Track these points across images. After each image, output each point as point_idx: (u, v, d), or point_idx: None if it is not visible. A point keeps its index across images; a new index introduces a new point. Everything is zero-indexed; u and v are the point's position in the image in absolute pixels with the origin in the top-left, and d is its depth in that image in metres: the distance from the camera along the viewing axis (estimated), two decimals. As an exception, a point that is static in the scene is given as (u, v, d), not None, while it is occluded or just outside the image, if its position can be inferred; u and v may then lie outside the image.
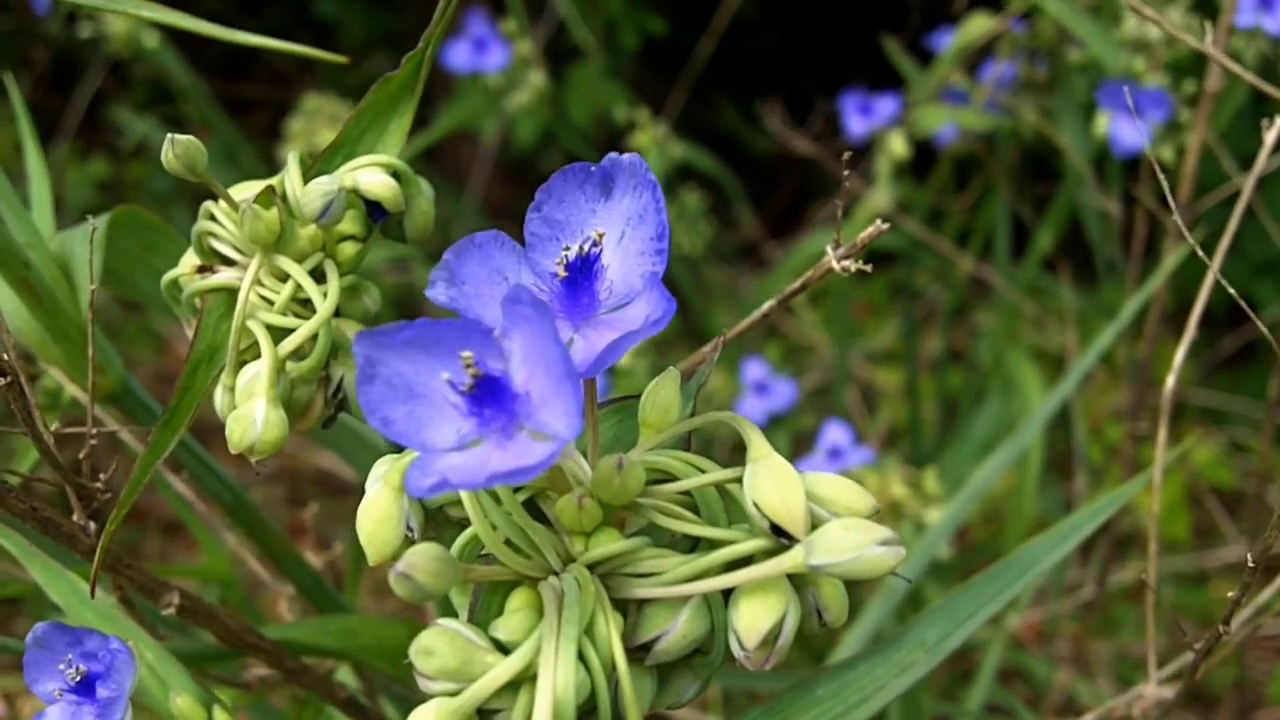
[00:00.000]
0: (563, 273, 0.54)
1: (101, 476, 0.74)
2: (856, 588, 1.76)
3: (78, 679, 0.68)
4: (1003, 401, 2.02)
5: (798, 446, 2.14)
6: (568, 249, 0.55)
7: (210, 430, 0.96)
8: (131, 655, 0.68)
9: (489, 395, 0.48)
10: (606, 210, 0.57)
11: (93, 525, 0.73)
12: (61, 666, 0.68)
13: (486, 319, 0.53)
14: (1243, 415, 2.50)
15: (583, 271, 0.54)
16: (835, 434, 1.78)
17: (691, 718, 1.85)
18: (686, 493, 0.55)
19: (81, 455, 0.74)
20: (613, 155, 0.56)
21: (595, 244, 0.55)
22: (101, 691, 0.68)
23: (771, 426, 2.03)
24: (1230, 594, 0.74)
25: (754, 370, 2.01)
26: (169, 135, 0.62)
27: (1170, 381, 0.98)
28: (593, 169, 0.57)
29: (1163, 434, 0.99)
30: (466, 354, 0.47)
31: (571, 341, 0.54)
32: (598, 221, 0.56)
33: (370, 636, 0.97)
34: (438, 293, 0.54)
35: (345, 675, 1.07)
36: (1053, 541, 0.90)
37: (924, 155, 2.15)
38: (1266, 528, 0.71)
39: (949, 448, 2.11)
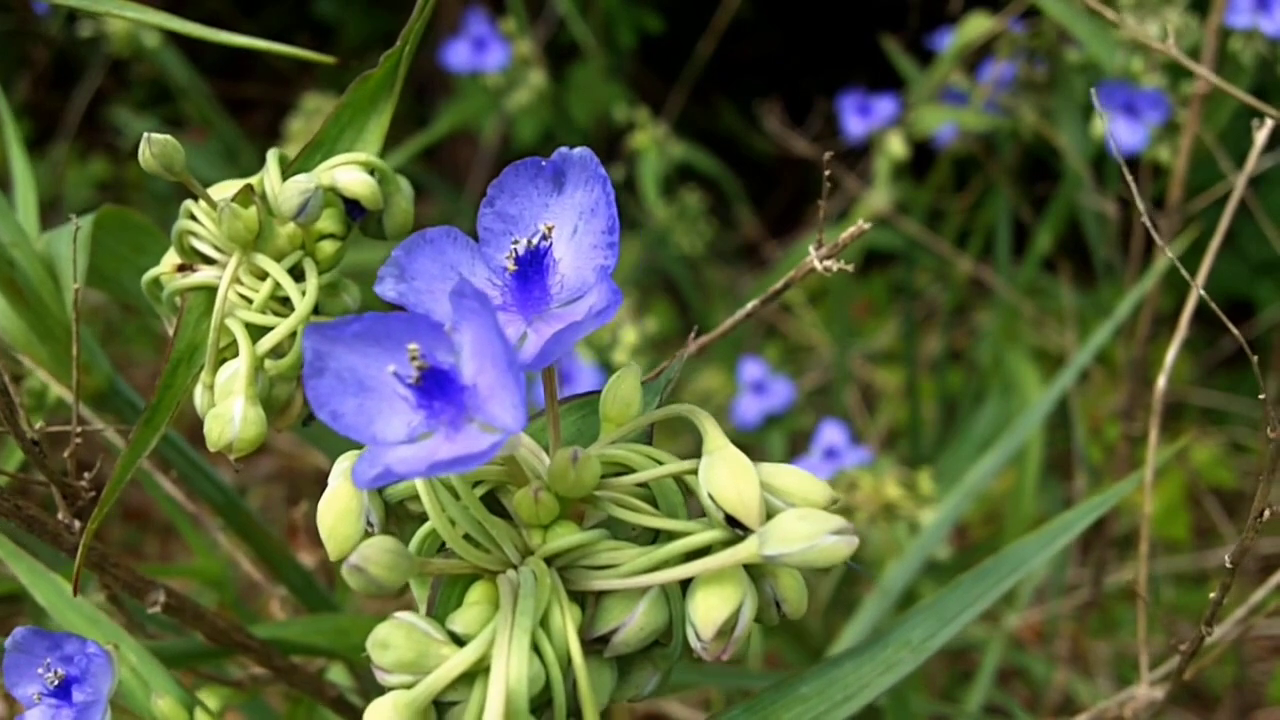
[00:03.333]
0: (513, 267, 0.54)
1: (86, 475, 0.74)
2: (854, 586, 1.76)
3: (56, 683, 0.68)
4: (1002, 401, 2.02)
5: (796, 446, 2.14)
6: (517, 242, 0.55)
7: (201, 430, 0.96)
8: (110, 659, 0.68)
9: (437, 388, 0.48)
10: (559, 204, 0.57)
11: (77, 524, 0.73)
12: (40, 670, 0.68)
13: (437, 314, 0.53)
14: (1242, 415, 2.49)
15: (533, 265, 0.54)
16: (831, 434, 1.77)
17: (689, 716, 1.86)
18: (646, 485, 0.55)
19: (66, 454, 0.74)
20: (563, 149, 0.56)
21: (545, 237, 0.55)
22: (79, 695, 0.68)
23: (768, 426, 2.02)
24: (1212, 595, 0.73)
25: (751, 370, 2.00)
26: (145, 134, 0.62)
27: (1161, 382, 0.97)
28: (544, 163, 0.57)
29: (1154, 434, 0.98)
30: (413, 346, 0.47)
31: (525, 335, 0.54)
32: (550, 216, 0.56)
33: (362, 636, 0.96)
34: (385, 289, 0.54)
35: (338, 674, 1.07)
36: (1043, 540, 0.90)
37: (923, 155, 2.14)
38: (1258, 529, 0.70)
39: (949, 448, 2.11)
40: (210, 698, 0.88)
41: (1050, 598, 2.05)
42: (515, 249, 0.54)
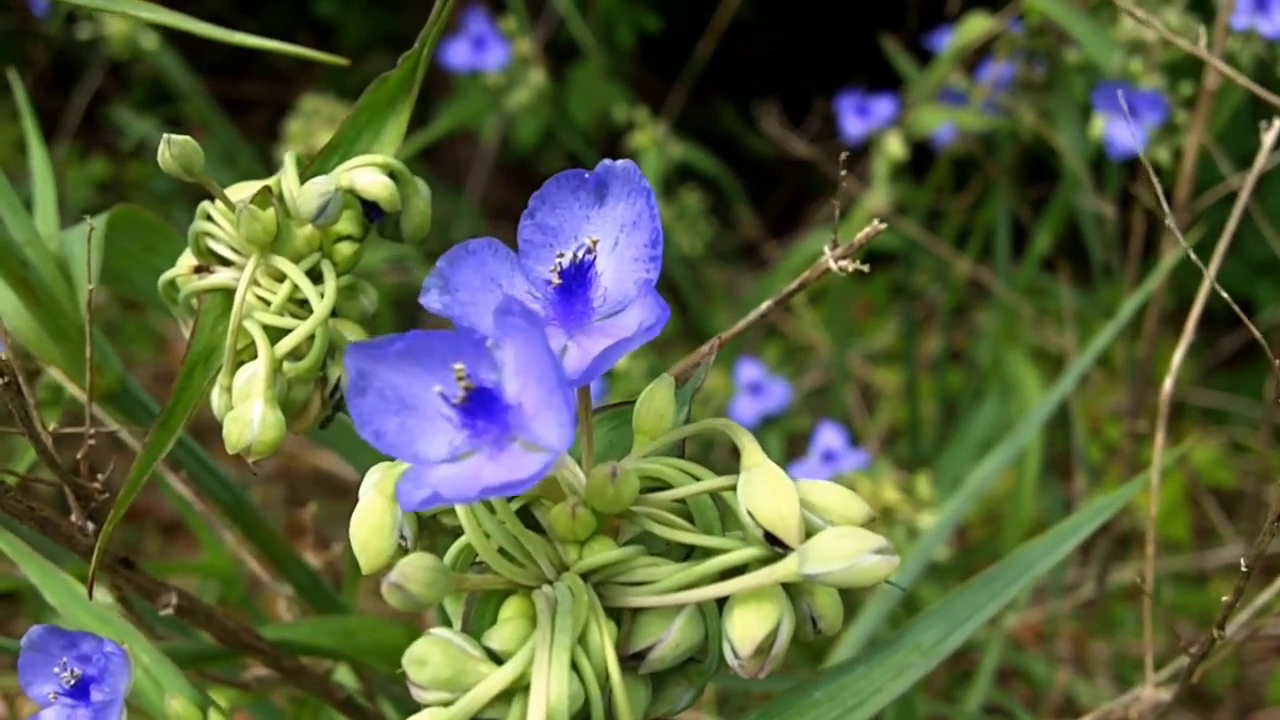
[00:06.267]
0: (556, 280, 0.54)
1: (100, 476, 0.74)
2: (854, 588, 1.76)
3: (72, 682, 0.67)
4: (1002, 402, 2.02)
5: (793, 448, 2.14)
6: (561, 256, 0.55)
7: (209, 430, 0.96)
8: (126, 658, 0.68)
9: (481, 407, 0.47)
10: (600, 216, 0.56)
11: (91, 525, 0.73)
12: (56, 669, 0.68)
13: (481, 326, 0.53)
14: (1242, 415, 2.50)
15: (576, 279, 0.54)
16: (829, 437, 1.77)
17: (689, 717, 1.86)
18: (681, 500, 0.55)
19: (79, 455, 0.73)
20: (606, 162, 0.56)
21: (589, 251, 0.54)
22: (96, 695, 0.68)
23: (765, 428, 2.02)
24: (1225, 599, 0.74)
25: (748, 371, 2.00)
26: (165, 136, 0.62)
27: (1168, 384, 0.97)
28: (587, 175, 0.57)
29: (1160, 438, 0.98)
30: (459, 366, 0.47)
31: (565, 349, 0.53)
32: (591, 228, 0.56)
33: (368, 637, 0.97)
34: (431, 300, 0.54)
35: (344, 675, 1.07)
36: (1050, 544, 0.90)
37: (922, 156, 2.14)
38: (1263, 529, 0.70)
39: (948, 448, 2.11)
40: (218, 699, 0.88)
41: (1050, 597, 2.05)
42: (560, 263, 0.54)
